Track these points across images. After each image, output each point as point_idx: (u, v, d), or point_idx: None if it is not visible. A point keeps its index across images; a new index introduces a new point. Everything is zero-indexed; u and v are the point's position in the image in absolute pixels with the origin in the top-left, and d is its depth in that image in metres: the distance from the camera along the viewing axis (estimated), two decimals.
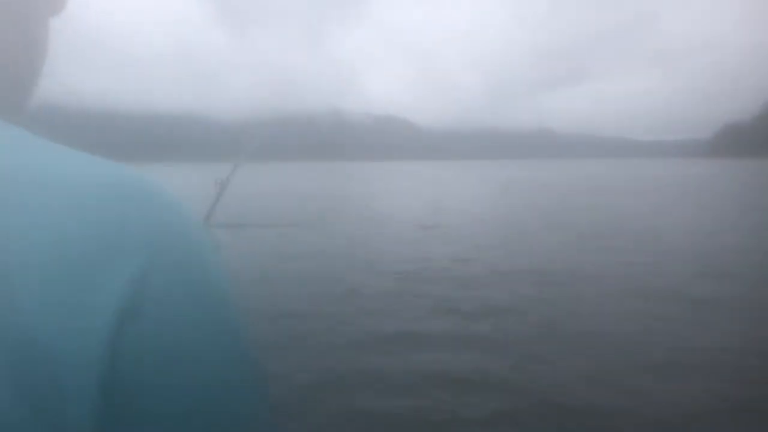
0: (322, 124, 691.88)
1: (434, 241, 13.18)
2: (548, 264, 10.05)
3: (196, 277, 0.40)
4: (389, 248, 12.17)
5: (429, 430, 4.14)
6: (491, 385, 4.71)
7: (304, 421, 4.20)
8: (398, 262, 10.28)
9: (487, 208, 23.00)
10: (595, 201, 25.69)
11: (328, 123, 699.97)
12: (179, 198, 0.38)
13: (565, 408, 4.26)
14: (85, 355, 0.33)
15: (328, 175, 76.27)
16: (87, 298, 0.34)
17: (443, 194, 32.70)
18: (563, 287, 8.22)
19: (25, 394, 0.31)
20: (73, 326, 0.33)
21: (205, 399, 0.37)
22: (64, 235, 0.34)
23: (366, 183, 50.03)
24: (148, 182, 0.38)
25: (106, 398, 0.33)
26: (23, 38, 0.41)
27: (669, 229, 14.96)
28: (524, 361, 5.21)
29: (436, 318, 6.79)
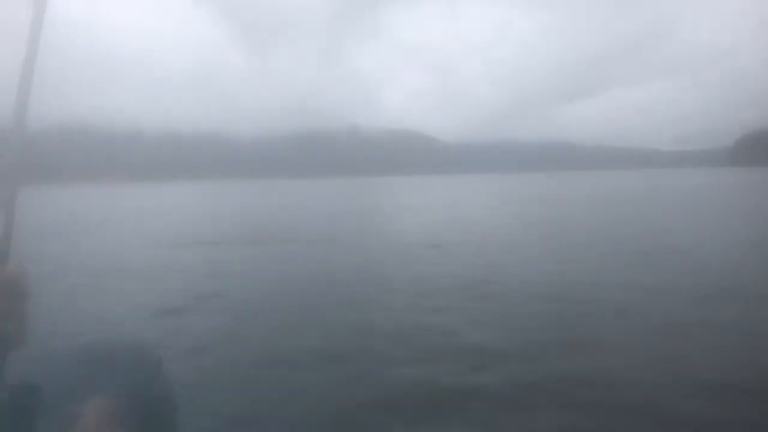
0: (340, 141, 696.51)
1: (448, 259, 13.00)
2: (567, 278, 9.84)
3: None
4: (401, 266, 12.04)
5: None
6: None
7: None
8: (411, 280, 10.16)
9: (509, 223, 22.76)
10: (619, 213, 25.32)
11: (347, 139, 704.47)
12: None
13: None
14: None
15: (344, 191, 76.45)
16: None
17: (462, 209, 32.49)
18: (582, 304, 8.01)
19: None
20: None
21: None
22: None
23: (382, 198, 50.01)
24: None
25: None
26: None
27: (693, 243, 14.61)
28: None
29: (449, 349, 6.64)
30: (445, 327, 6.89)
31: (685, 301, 7.90)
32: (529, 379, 5.09)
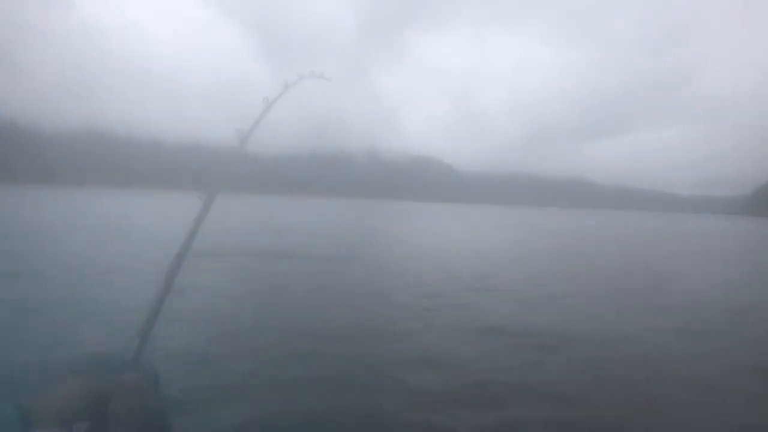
0: (358, 162, 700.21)
1: (463, 292, 13.38)
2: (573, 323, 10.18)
3: None
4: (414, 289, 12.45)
5: None
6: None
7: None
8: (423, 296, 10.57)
9: (524, 257, 23.07)
10: (636, 255, 25.52)
11: (365, 161, 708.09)
12: None
13: None
14: None
15: (363, 212, 76.91)
16: None
17: (477, 238, 32.78)
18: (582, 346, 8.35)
19: None
20: None
21: None
22: None
23: (400, 222, 50.44)
24: None
25: None
26: None
27: (708, 291, 14.88)
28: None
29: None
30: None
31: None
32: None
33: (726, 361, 7.22)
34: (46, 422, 0.94)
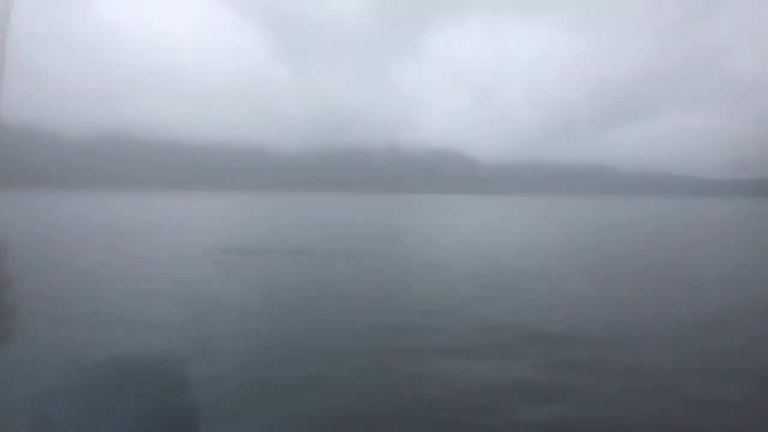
0: (379, 157, 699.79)
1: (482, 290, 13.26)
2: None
3: None
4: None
5: None
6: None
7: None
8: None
9: (550, 246, 22.80)
10: (664, 240, 25.07)
11: (385, 156, 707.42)
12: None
13: None
14: None
15: (388, 208, 76.84)
16: None
17: (502, 229, 32.48)
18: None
19: None
20: None
21: None
22: None
23: (421, 215, 50.22)
24: None
25: None
26: None
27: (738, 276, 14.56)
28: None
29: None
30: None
31: None
32: None
33: None
34: None
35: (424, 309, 9.07)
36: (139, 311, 8.66)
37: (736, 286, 12.33)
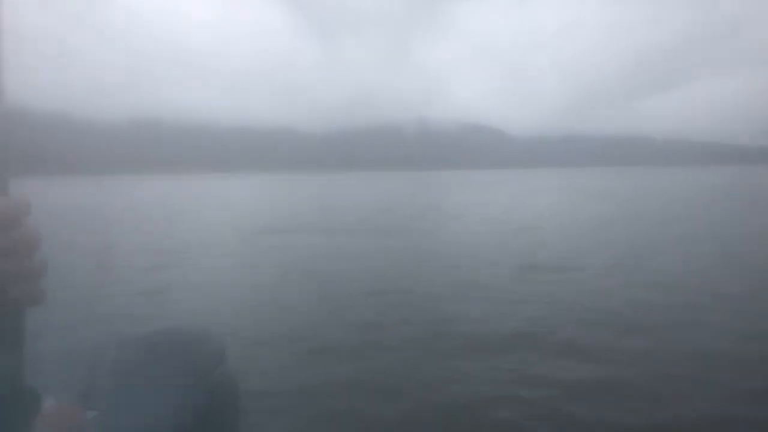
0: (408, 134, 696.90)
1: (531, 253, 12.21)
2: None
3: None
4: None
5: None
6: None
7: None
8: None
9: (594, 220, 21.49)
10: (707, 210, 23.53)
11: (415, 132, 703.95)
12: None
13: None
14: None
15: (413, 184, 76.02)
16: None
17: (539, 204, 31.25)
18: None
19: None
20: None
21: None
22: None
23: (454, 192, 49.13)
24: None
25: None
26: None
27: None
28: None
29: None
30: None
31: None
32: None
33: None
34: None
35: (481, 296, 8.06)
36: (178, 290, 8.68)
37: None
